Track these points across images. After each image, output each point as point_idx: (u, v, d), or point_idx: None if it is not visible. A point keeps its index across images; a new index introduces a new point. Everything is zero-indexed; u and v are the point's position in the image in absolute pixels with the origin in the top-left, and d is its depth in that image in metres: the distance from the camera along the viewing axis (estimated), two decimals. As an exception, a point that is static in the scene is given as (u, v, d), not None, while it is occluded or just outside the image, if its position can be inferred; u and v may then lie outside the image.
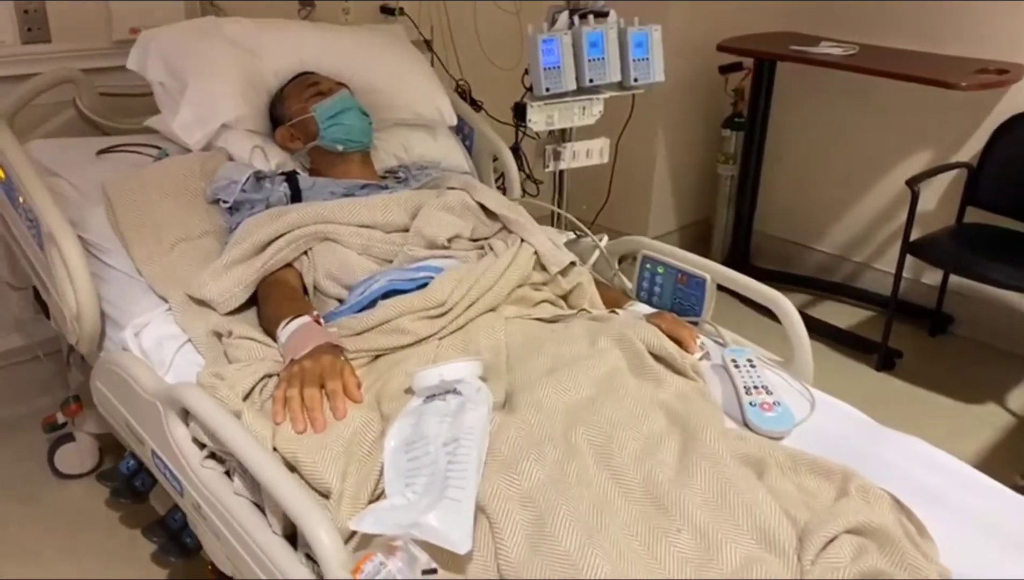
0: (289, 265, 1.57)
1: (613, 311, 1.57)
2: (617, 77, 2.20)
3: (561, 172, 2.42)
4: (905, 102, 2.99)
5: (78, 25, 2.27)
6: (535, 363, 1.33)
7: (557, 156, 2.33)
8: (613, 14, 2.19)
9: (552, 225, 2.43)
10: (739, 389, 1.45)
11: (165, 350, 1.46)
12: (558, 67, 2.11)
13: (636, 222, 3.54)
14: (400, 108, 2.01)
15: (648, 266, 1.82)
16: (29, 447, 2.19)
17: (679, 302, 1.78)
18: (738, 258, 3.45)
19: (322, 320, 1.35)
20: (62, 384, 2.32)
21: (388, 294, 1.46)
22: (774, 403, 1.41)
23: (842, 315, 3.19)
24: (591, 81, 2.15)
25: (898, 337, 2.85)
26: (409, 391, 1.24)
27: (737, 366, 1.50)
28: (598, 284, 1.74)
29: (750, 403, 1.41)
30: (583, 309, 1.55)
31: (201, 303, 1.51)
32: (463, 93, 2.60)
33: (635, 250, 1.85)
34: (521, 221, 1.61)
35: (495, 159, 2.14)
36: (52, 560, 1.87)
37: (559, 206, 2.48)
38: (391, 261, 1.55)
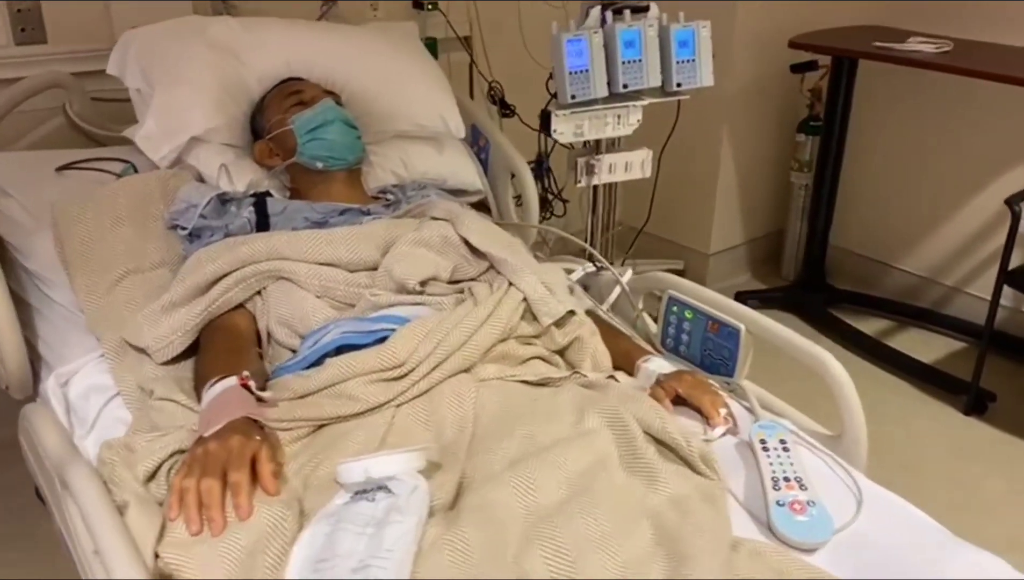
0: (241, 306, 1.35)
1: (611, 376, 1.30)
2: (657, 81, 1.91)
3: (595, 188, 2.15)
4: (1008, 107, 2.59)
5: (76, 25, 2.11)
6: (501, 447, 1.08)
7: (590, 170, 2.06)
8: (655, 8, 1.91)
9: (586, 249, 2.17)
10: (765, 481, 1.16)
11: (91, 405, 1.27)
12: (586, 71, 1.84)
13: (696, 235, 3.24)
14: (399, 118, 1.77)
15: (674, 309, 1.54)
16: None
17: (709, 354, 1.49)
18: (811, 277, 3.11)
19: (251, 383, 1.12)
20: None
21: (342, 349, 1.22)
22: (807, 503, 1.12)
23: (927, 347, 2.81)
24: (625, 87, 1.87)
25: (992, 375, 2.46)
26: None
27: (766, 448, 1.21)
28: (612, 331, 1.47)
29: (777, 502, 1.12)
30: (576, 371, 1.29)
31: (140, 349, 1.31)
32: (494, 96, 2.35)
33: (661, 287, 1.57)
34: (510, 261, 1.35)
35: (513, 176, 1.88)
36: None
37: (593, 227, 2.21)
38: (354, 306, 1.32)
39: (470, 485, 1.03)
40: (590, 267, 1.67)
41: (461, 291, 1.35)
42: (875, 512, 1.16)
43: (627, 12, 1.87)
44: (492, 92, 2.37)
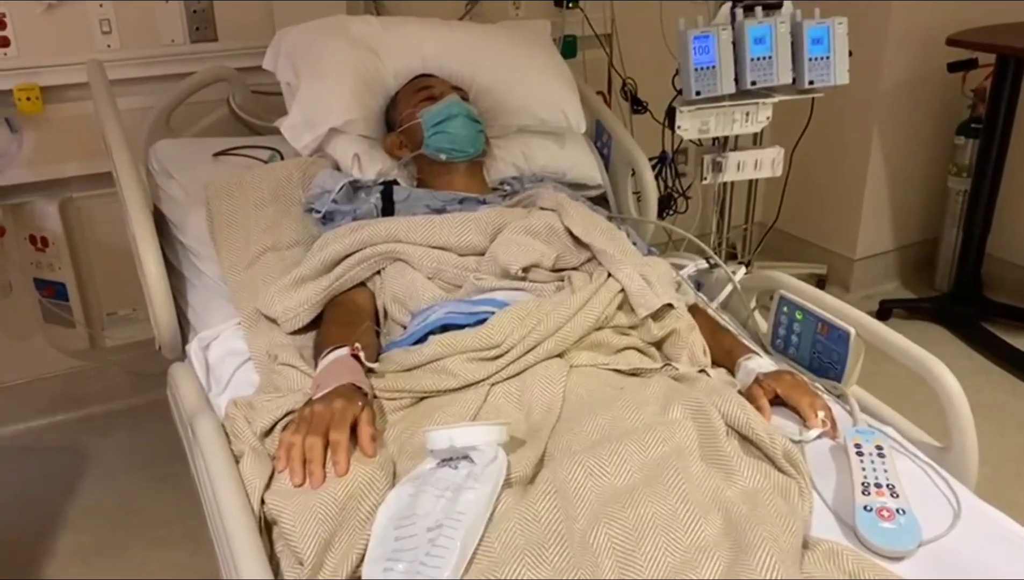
0: (362, 284, 1.46)
1: (702, 370, 1.30)
2: (787, 79, 1.88)
3: (723, 185, 2.14)
4: None
5: (243, 24, 2.31)
6: (583, 429, 1.12)
7: (718, 167, 2.05)
8: (788, 6, 1.88)
9: (715, 248, 2.15)
10: (855, 486, 1.14)
11: (226, 367, 1.41)
12: (713, 67, 1.83)
13: (842, 239, 3.13)
14: (522, 113, 1.83)
15: (785, 310, 1.52)
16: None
17: (818, 357, 1.47)
18: (965, 287, 2.94)
19: (361, 354, 1.22)
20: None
21: (446, 328, 1.30)
22: (897, 511, 1.09)
23: (1093, 373, 2.60)
24: (754, 83, 1.86)
25: None
26: (433, 449, 1.08)
27: (861, 454, 1.19)
28: (717, 327, 1.47)
29: (864, 507, 1.10)
30: (668, 363, 1.30)
31: (271, 319, 1.44)
32: (627, 92, 2.38)
33: (773, 287, 1.55)
34: (610, 252, 1.38)
35: (634, 172, 1.90)
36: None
37: (721, 224, 2.19)
38: (461, 287, 1.39)
39: (549, 462, 1.07)
40: (702, 263, 1.67)
41: (562, 279, 1.40)
42: (974, 527, 1.11)
43: (759, 9, 1.85)
44: (625, 88, 2.39)
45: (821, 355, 1.46)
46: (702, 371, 1.30)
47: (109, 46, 2.19)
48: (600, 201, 1.93)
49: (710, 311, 1.56)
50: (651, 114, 2.34)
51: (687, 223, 2.28)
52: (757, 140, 2.80)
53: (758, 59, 1.84)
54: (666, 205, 2.28)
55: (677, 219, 2.30)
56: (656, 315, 1.35)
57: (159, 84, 2.22)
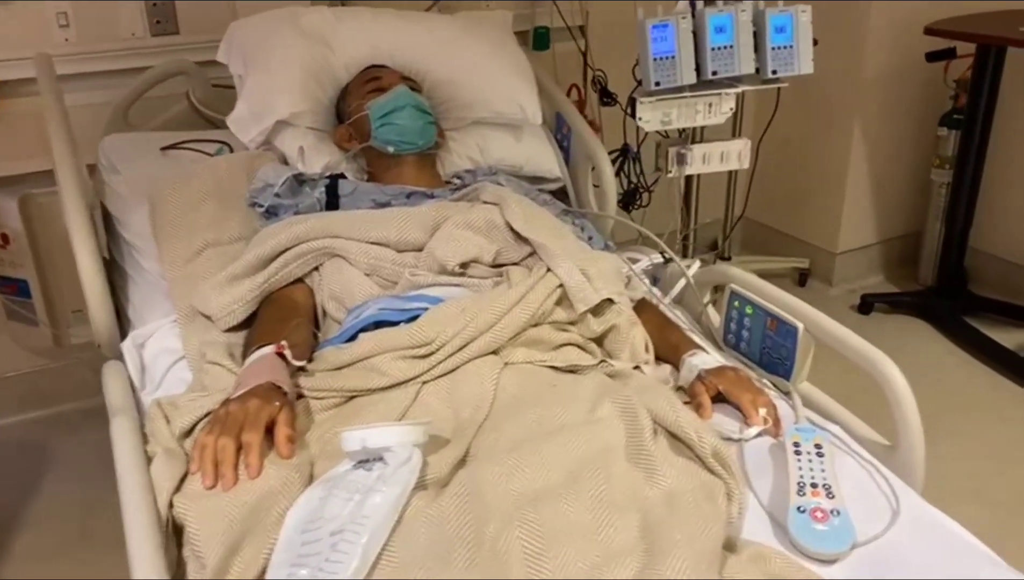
0: (300, 281, 1.42)
1: (636, 367, 1.27)
2: (750, 69, 1.84)
3: (688, 180, 2.10)
4: None
5: (205, 16, 2.27)
6: (509, 428, 1.08)
7: (682, 160, 2.00)
8: (749, -8, 1.83)
9: (681, 241, 2.11)
10: (791, 486, 1.10)
11: (159, 365, 1.38)
12: (672, 57, 1.79)
13: (823, 232, 3.08)
14: (477, 105, 1.79)
15: (736, 305, 1.48)
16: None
17: (768, 353, 1.43)
18: (948, 282, 2.89)
19: (286, 352, 1.18)
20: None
21: (380, 325, 1.26)
22: (831, 512, 1.06)
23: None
24: (714, 73, 1.81)
25: None
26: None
27: (799, 452, 1.15)
28: (665, 323, 1.44)
29: (798, 508, 1.07)
30: (604, 360, 1.27)
31: (208, 316, 1.40)
32: (596, 84, 2.34)
33: (724, 281, 1.51)
34: (549, 246, 1.34)
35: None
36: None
37: (688, 218, 2.15)
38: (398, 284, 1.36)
39: (471, 462, 1.04)
40: (657, 257, 1.63)
41: (501, 275, 1.37)
42: (913, 528, 1.08)
43: (719, -3, 1.81)
44: (595, 80, 2.35)
45: (771, 351, 1.42)
46: (637, 368, 1.26)
47: (67, 40, 2.16)
48: (561, 194, 1.89)
49: (661, 306, 1.53)
50: (620, 106, 2.30)
51: (659, 217, 2.24)
52: (736, 132, 2.77)
53: (719, 48, 1.80)
54: (633, 198, 2.23)
55: (646, 213, 2.25)
56: (596, 310, 1.31)
57: (120, 78, 2.18)
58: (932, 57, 2.64)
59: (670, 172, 2.01)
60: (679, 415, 1.09)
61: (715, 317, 1.57)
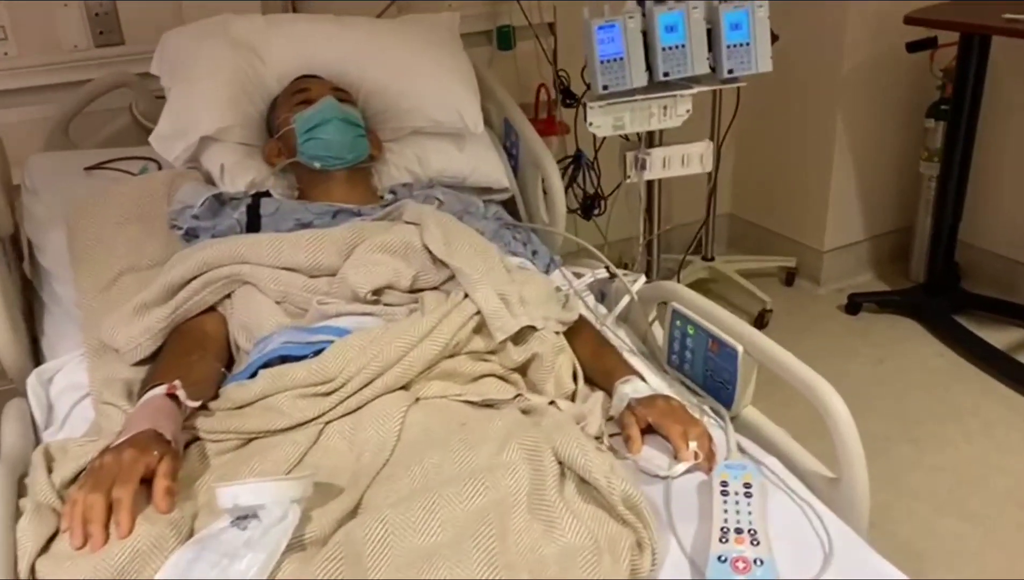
0: (213, 309, 1.34)
1: (552, 402, 1.18)
2: (703, 68, 1.75)
3: (650, 184, 2.00)
4: None
5: (151, 26, 2.19)
6: (405, 477, 1.00)
7: (642, 164, 1.91)
8: (702, -11, 1.74)
9: (650, 254, 2.02)
10: (714, 531, 1.02)
11: (63, 402, 1.30)
12: (620, 58, 1.70)
13: (810, 230, 2.97)
14: (414, 114, 1.70)
15: (678, 324, 1.39)
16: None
17: (711, 376, 1.34)
18: (938, 278, 2.78)
19: (179, 392, 1.10)
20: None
21: (286, 359, 1.18)
22: (754, 561, 0.97)
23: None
24: (666, 75, 1.72)
25: None
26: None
27: (726, 493, 1.06)
28: (601, 347, 1.35)
29: (719, 558, 0.98)
30: (520, 394, 1.18)
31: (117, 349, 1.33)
32: (558, 85, 2.25)
33: (668, 298, 1.42)
34: (467, 271, 1.25)
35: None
36: None
37: (651, 224, 2.06)
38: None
39: (358, 516, 0.96)
40: (601, 273, 1.54)
41: (417, 301, 1.28)
42: (844, 570, 0.99)
43: (669, -7, 1.72)
44: (558, 81, 2.26)
45: (714, 374, 1.33)
46: (552, 403, 1.17)
47: (6, 53, 2.09)
48: (512, 205, 1.80)
49: (605, 326, 1.44)
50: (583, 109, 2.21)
51: (626, 223, 2.15)
52: (714, 133, 2.67)
53: (670, 48, 1.71)
54: (592, 206, 2.14)
55: (611, 219, 2.16)
56: (517, 338, 1.22)
57: (63, 92, 2.11)
58: (912, 47, 2.52)
59: (629, 177, 1.92)
60: (588, 459, 1.00)
61: (660, 336, 1.48)
